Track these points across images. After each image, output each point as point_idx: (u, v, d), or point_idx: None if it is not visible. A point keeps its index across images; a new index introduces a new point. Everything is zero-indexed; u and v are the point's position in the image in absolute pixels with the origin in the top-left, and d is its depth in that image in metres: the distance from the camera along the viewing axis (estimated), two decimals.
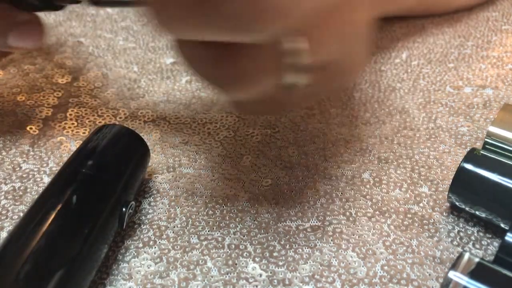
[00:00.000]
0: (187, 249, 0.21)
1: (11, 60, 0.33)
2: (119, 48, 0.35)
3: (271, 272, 0.21)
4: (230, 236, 0.22)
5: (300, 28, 0.16)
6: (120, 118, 0.28)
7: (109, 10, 0.39)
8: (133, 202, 0.21)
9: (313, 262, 0.21)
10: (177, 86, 0.31)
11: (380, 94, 0.31)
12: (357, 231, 0.22)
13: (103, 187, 0.20)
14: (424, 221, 0.23)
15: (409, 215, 0.23)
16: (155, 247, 0.21)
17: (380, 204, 0.24)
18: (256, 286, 0.20)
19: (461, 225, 0.23)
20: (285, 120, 0.28)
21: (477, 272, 0.18)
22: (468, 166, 0.22)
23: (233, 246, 0.22)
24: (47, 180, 0.24)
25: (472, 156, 0.22)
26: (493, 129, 0.24)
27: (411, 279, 0.20)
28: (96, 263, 0.19)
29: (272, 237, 0.22)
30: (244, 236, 0.22)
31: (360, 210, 0.23)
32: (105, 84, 0.31)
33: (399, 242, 0.22)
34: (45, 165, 0.25)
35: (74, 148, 0.26)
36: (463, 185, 0.22)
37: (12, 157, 0.26)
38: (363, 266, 0.21)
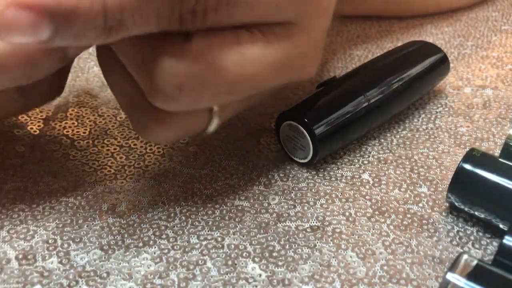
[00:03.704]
0: (186, 249, 0.21)
1: None
2: None
3: (270, 272, 0.21)
4: (230, 236, 0.22)
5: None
6: (121, 117, 0.29)
7: None
8: None
9: (312, 262, 0.21)
10: None
11: None
12: (357, 231, 0.22)
13: None
14: (424, 221, 0.23)
15: (409, 215, 0.23)
16: (155, 247, 0.21)
17: (379, 204, 0.24)
18: (256, 286, 0.20)
19: (460, 225, 0.23)
20: None
21: (475, 274, 0.18)
22: (467, 166, 0.22)
23: (232, 246, 0.22)
24: (47, 179, 0.24)
25: (471, 156, 0.22)
26: None
27: (410, 278, 0.20)
28: None
29: (272, 237, 0.22)
30: (243, 236, 0.22)
31: (360, 210, 0.23)
32: (106, 83, 0.31)
33: (398, 242, 0.22)
34: (45, 165, 0.25)
35: (74, 148, 0.26)
36: (462, 185, 0.22)
37: (13, 157, 0.26)
38: (362, 266, 0.21)
